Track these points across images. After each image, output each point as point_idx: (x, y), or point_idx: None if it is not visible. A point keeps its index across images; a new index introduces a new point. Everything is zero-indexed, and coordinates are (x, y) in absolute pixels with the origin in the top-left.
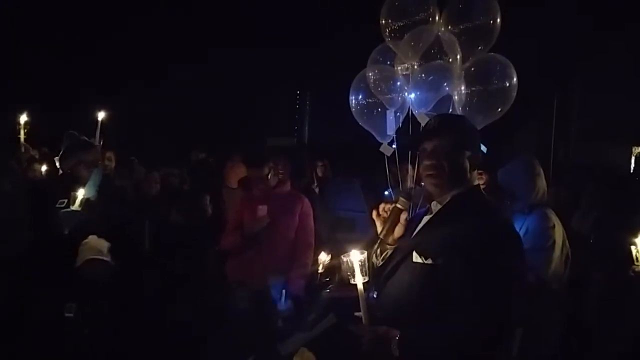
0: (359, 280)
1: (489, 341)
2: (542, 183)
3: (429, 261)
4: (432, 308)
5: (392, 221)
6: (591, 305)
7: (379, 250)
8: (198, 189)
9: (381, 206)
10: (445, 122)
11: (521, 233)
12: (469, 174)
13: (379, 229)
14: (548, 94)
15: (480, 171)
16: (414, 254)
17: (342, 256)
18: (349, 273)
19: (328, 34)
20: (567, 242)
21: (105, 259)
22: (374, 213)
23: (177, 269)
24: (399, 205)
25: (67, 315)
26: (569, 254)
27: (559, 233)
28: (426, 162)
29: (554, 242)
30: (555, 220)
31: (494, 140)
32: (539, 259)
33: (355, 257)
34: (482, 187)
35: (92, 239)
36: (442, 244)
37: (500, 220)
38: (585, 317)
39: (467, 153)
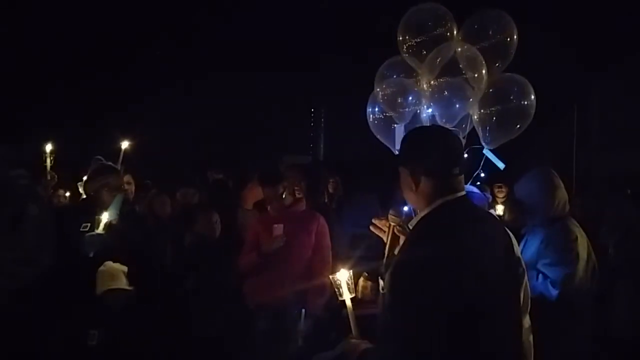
0: (346, 296)
1: None
2: (562, 195)
3: (381, 289)
4: (380, 333)
5: (391, 237)
6: (620, 320)
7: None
8: (207, 207)
9: (374, 221)
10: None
11: (542, 247)
12: (433, 193)
13: (385, 242)
14: (568, 103)
15: (499, 185)
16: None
17: (330, 275)
18: (336, 289)
19: (342, 51)
20: (593, 254)
21: (124, 287)
22: (372, 227)
23: (195, 290)
24: (390, 222)
25: (89, 343)
26: (596, 267)
27: (583, 245)
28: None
29: (578, 255)
30: (578, 232)
31: (514, 154)
32: (561, 274)
33: (342, 275)
34: (502, 200)
35: (108, 265)
36: (388, 272)
37: (428, 248)
38: (614, 332)
39: (418, 175)
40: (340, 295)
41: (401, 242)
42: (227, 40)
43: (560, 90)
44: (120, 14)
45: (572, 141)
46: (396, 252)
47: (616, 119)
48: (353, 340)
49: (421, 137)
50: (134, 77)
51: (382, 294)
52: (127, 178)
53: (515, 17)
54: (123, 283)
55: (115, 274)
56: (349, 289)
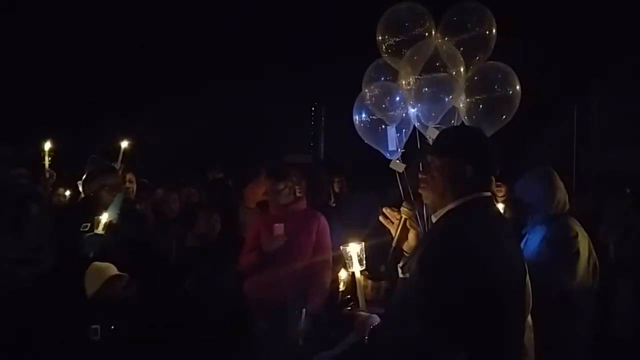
0: (356, 268)
1: (422, 348)
2: (561, 194)
3: (402, 275)
4: (399, 314)
5: (400, 228)
6: (620, 319)
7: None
8: (206, 207)
9: (384, 209)
10: (443, 136)
11: (543, 245)
12: (468, 186)
13: (393, 234)
14: (567, 102)
15: (498, 183)
16: (399, 269)
17: (341, 246)
18: (347, 261)
19: (342, 49)
20: (593, 252)
21: (117, 273)
22: (381, 217)
23: (195, 290)
24: (402, 214)
25: (92, 338)
26: (597, 264)
27: (583, 243)
28: (419, 176)
29: (578, 251)
30: (579, 229)
31: (514, 152)
32: (561, 270)
33: (354, 248)
34: (501, 199)
35: (93, 265)
36: (416, 258)
37: (467, 235)
38: (614, 331)
39: (460, 165)
40: (350, 267)
41: (410, 236)
42: (227, 40)
43: (561, 88)
44: (120, 14)
45: (572, 140)
46: (404, 246)
47: (616, 117)
48: (362, 313)
49: (478, 134)
50: (134, 77)
51: (403, 277)
52: (129, 176)
53: (515, 16)
54: (115, 271)
55: (104, 267)
56: (359, 261)
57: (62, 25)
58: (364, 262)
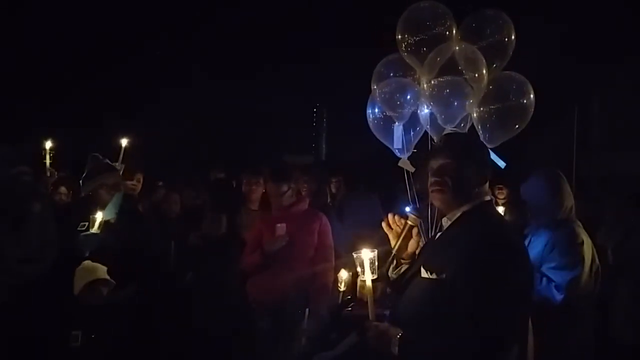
0: (367, 277)
1: (482, 353)
2: (569, 199)
3: (434, 276)
4: (434, 318)
5: (404, 237)
6: (620, 322)
7: (394, 264)
8: (215, 209)
9: (390, 217)
10: (451, 140)
11: (547, 250)
12: (478, 190)
13: (392, 242)
14: (568, 105)
15: (500, 186)
16: (422, 269)
17: (353, 253)
18: (358, 269)
19: (344, 49)
20: (596, 258)
21: (104, 277)
22: (384, 224)
23: (196, 289)
24: (409, 222)
25: (73, 344)
26: (599, 270)
27: (588, 249)
28: (431, 179)
29: (583, 259)
30: (584, 235)
31: (514, 154)
32: (566, 277)
33: (366, 255)
34: (502, 201)
35: (85, 263)
36: (446, 259)
37: (503, 236)
38: (614, 332)
39: (474, 169)
40: (362, 275)
41: (410, 243)
42: (228, 40)
43: (561, 91)
44: (120, 14)
45: (573, 142)
46: (404, 254)
47: (617, 120)
48: (378, 324)
49: (479, 139)
50: (133, 77)
51: (435, 279)
52: (138, 176)
53: (516, 17)
54: (103, 274)
55: (93, 268)
56: (371, 269)
57: (62, 25)
58: (376, 270)
